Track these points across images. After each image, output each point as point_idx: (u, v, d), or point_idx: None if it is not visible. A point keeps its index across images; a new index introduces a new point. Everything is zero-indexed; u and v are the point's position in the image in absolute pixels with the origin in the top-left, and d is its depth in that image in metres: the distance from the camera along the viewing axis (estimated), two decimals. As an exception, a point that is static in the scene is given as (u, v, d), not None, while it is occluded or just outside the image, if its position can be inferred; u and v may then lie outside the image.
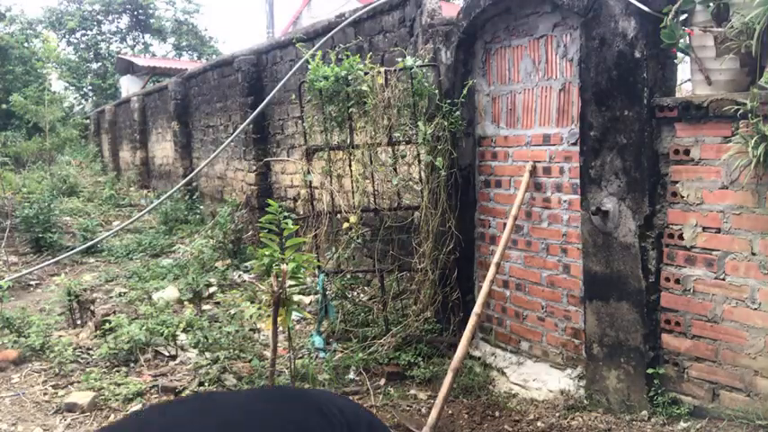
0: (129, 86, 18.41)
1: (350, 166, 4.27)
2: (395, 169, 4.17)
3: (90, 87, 24.84)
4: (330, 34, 5.26)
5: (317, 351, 4.14)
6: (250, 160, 7.38)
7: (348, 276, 4.70)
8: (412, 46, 4.74)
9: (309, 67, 4.15)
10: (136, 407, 3.49)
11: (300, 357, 4.01)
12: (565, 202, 3.46)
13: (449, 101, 3.96)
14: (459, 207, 4.01)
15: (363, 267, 4.98)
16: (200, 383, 3.71)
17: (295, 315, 4.26)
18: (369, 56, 4.41)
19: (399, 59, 4.06)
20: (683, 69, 3.02)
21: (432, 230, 3.99)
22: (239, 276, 6.32)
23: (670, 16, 2.74)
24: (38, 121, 15.27)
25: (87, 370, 3.98)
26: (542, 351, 3.66)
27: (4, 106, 17.53)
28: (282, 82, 5.09)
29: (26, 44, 21.25)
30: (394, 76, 4.00)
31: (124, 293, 5.75)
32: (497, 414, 3.28)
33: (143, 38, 26.75)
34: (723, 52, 2.64)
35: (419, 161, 4.07)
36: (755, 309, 2.62)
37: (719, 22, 2.68)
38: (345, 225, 4.26)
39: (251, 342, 4.32)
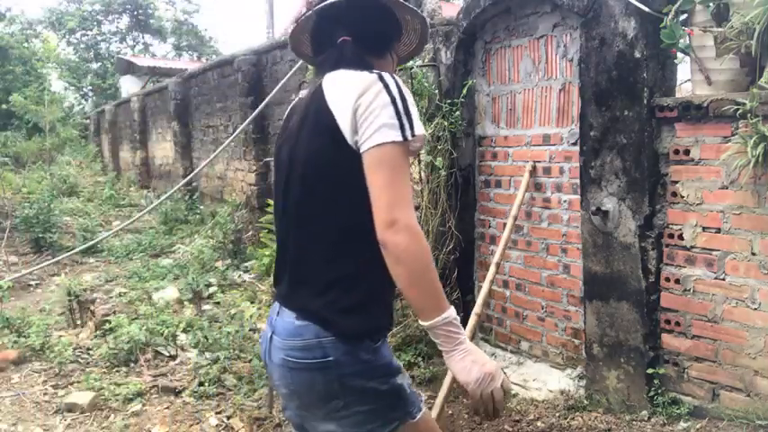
0: (129, 86, 18.40)
1: (350, 166, 4.26)
2: (395, 169, 4.16)
3: (90, 87, 24.82)
4: (330, 34, 5.25)
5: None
6: (250, 160, 7.37)
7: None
8: (412, 46, 4.73)
9: (309, 67, 4.16)
10: (136, 407, 3.49)
11: (300, 357, 4.01)
12: (565, 202, 3.46)
13: (449, 101, 3.96)
14: (459, 207, 4.01)
15: (363, 267, 4.97)
16: (201, 383, 3.71)
17: (295, 315, 4.25)
18: (369, 56, 4.40)
19: (399, 59, 4.05)
20: (683, 69, 3.02)
21: (432, 230, 3.99)
22: (239, 276, 6.32)
23: (670, 16, 2.75)
24: (38, 121, 15.27)
25: (87, 370, 3.98)
26: (542, 351, 3.67)
27: (4, 106, 17.51)
28: (282, 82, 5.08)
29: (26, 44, 21.21)
30: (394, 76, 3.99)
31: (124, 293, 5.75)
32: (497, 414, 3.27)
33: (143, 38, 26.75)
34: (723, 52, 2.64)
35: (419, 161, 4.07)
36: (755, 309, 2.62)
37: (719, 22, 2.68)
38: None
39: (251, 342, 4.32)
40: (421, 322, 1.33)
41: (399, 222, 1.26)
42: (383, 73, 1.37)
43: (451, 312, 1.33)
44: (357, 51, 1.47)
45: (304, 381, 1.38)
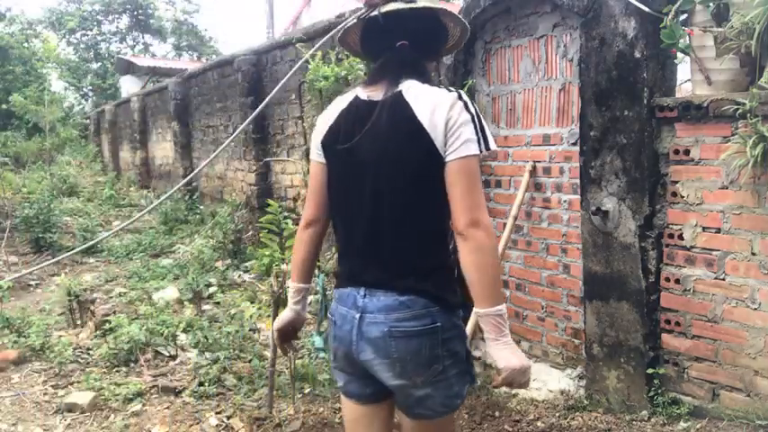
0: (129, 86, 18.40)
1: (350, 166, 4.25)
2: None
3: (90, 87, 24.83)
4: (330, 34, 5.22)
5: (317, 351, 4.13)
6: (250, 160, 7.38)
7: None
8: (412, 46, 4.72)
9: (309, 67, 4.15)
10: (136, 407, 3.49)
11: (300, 357, 4.01)
12: (565, 202, 3.46)
13: (449, 101, 3.95)
14: (459, 207, 4.00)
15: (363, 267, 4.96)
16: (201, 383, 3.71)
17: (295, 315, 4.25)
18: (369, 56, 4.40)
19: (399, 59, 4.04)
20: (683, 69, 3.02)
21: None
22: (239, 276, 6.32)
23: (670, 16, 2.75)
24: (38, 121, 15.28)
25: (87, 370, 3.98)
26: (542, 351, 3.67)
27: (4, 106, 17.53)
28: (282, 82, 5.05)
29: (26, 44, 21.22)
30: (394, 76, 3.99)
31: (124, 293, 5.75)
32: (497, 414, 3.28)
33: (143, 38, 26.75)
34: (723, 52, 2.64)
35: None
36: (755, 309, 2.62)
37: (719, 22, 2.68)
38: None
39: (251, 342, 4.32)
40: (475, 309, 1.54)
41: (481, 222, 1.52)
42: (460, 92, 1.59)
43: (504, 307, 1.54)
44: (416, 56, 1.67)
45: (411, 346, 1.57)
